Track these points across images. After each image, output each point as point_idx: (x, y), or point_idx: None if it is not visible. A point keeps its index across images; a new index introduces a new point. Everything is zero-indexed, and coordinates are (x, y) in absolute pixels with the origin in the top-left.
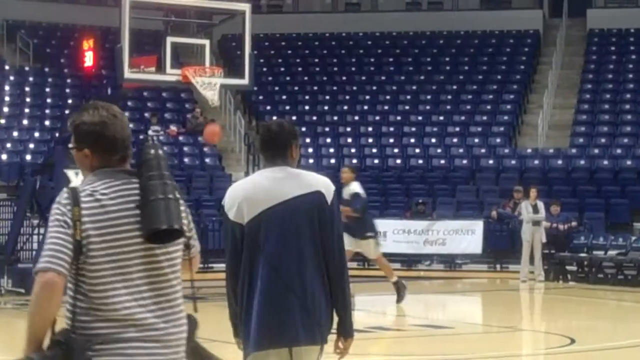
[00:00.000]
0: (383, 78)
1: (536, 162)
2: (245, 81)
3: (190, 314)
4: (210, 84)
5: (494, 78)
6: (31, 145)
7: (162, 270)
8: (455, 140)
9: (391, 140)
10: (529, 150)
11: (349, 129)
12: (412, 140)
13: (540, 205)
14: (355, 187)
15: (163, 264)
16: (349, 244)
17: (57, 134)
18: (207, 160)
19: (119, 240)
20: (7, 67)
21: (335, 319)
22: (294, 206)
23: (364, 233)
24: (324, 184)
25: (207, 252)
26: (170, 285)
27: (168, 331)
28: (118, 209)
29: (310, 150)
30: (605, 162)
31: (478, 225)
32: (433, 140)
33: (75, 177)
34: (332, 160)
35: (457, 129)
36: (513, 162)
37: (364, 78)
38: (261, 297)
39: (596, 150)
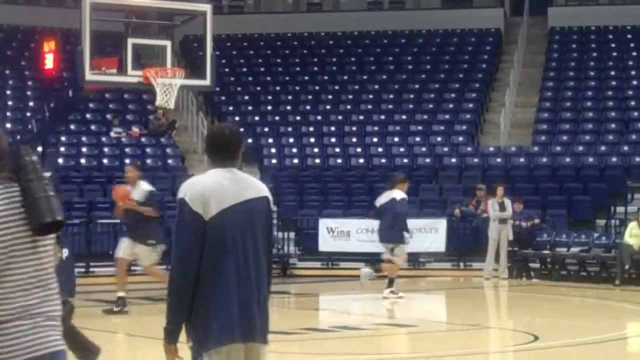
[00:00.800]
0: (345, 78)
1: (499, 160)
2: (207, 82)
3: (67, 299)
4: (171, 85)
5: (456, 77)
6: None
7: (42, 260)
8: (417, 139)
9: (354, 140)
10: (492, 149)
11: (311, 129)
12: (375, 140)
13: (508, 202)
14: (146, 185)
15: (42, 254)
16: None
17: (18, 137)
18: (170, 161)
19: (8, 235)
20: None
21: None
22: (251, 207)
23: (146, 239)
24: (267, 191)
25: (168, 253)
26: (48, 272)
27: (46, 309)
28: (5, 209)
29: (273, 150)
30: (567, 160)
31: (441, 224)
32: (396, 139)
33: None
34: (295, 160)
35: (420, 127)
36: (476, 160)
37: (326, 78)
38: (225, 293)
39: (558, 148)
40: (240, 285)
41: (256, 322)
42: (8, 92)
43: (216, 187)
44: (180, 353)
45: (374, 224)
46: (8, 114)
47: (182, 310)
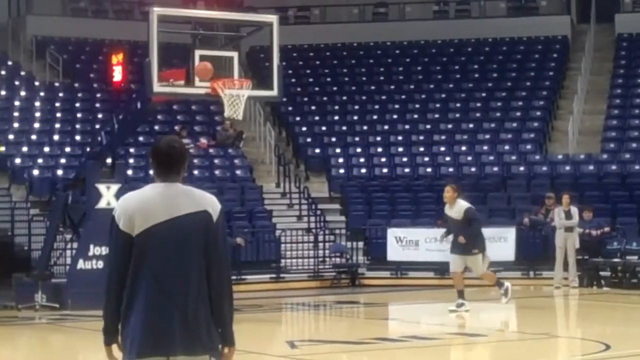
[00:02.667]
0: (412, 87)
1: (567, 168)
2: (274, 93)
3: None
4: (239, 96)
5: (523, 85)
6: (62, 160)
7: None
8: (485, 147)
9: (421, 149)
10: (560, 157)
11: (379, 139)
12: (442, 149)
13: (574, 211)
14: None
15: None
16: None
17: (87, 149)
18: (238, 172)
19: None
20: (37, 83)
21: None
22: (183, 223)
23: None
24: (211, 204)
25: (240, 264)
26: None
27: None
28: None
29: (341, 160)
30: (637, 167)
31: (510, 233)
32: (463, 148)
33: (107, 191)
34: (363, 170)
35: (487, 136)
36: (544, 168)
37: (392, 87)
38: (143, 307)
39: (627, 155)
40: (158, 302)
41: (175, 337)
42: (77, 104)
43: (146, 204)
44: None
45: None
46: (77, 126)
47: (108, 316)
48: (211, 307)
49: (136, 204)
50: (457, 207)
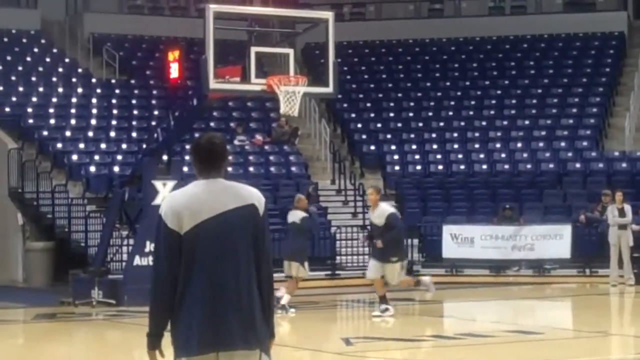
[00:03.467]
0: (467, 83)
1: (623, 164)
2: (329, 89)
3: None
4: (294, 92)
5: (580, 81)
6: (119, 157)
7: None
8: (541, 144)
9: (477, 146)
10: (616, 153)
11: (434, 135)
12: (498, 145)
13: (628, 208)
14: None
15: None
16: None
17: (144, 146)
18: (293, 169)
19: None
20: (93, 80)
21: None
22: (230, 218)
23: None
24: (257, 197)
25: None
26: None
27: None
28: None
29: (396, 157)
30: None
31: (566, 230)
32: (519, 144)
33: (163, 188)
34: (418, 167)
35: (543, 132)
36: (600, 165)
37: (448, 84)
38: (198, 305)
39: None
40: (212, 297)
41: (231, 331)
42: (134, 101)
43: (192, 202)
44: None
45: (498, 230)
46: (134, 123)
47: (158, 318)
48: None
49: (183, 201)
50: (379, 211)
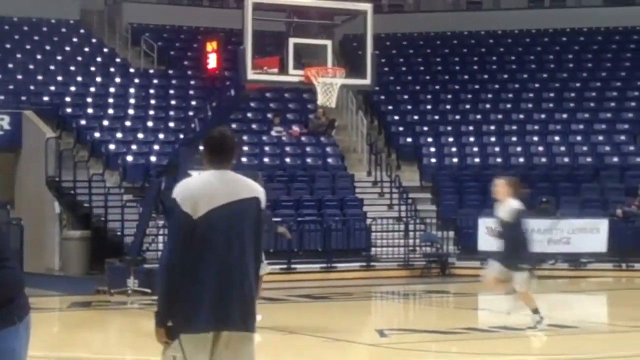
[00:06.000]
0: (505, 76)
1: None
2: (367, 81)
3: None
4: (332, 84)
5: (618, 75)
6: (156, 147)
7: None
8: (579, 138)
9: (514, 139)
10: None
11: (471, 128)
12: (535, 139)
13: None
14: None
15: None
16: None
17: (181, 136)
18: (330, 160)
19: None
20: (132, 70)
21: None
22: (241, 207)
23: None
24: (260, 192)
25: (331, 252)
26: None
27: None
28: None
29: (433, 149)
30: None
31: (603, 224)
32: (556, 138)
33: None
34: (455, 160)
35: (581, 126)
36: (638, 159)
37: (485, 77)
38: (205, 286)
39: None
40: (220, 279)
41: (234, 313)
42: (172, 91)
43: (207, 188)
44: None
45: (534, 223)
46: (171, 113)
47: (167, 297)
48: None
49: (198, 188)
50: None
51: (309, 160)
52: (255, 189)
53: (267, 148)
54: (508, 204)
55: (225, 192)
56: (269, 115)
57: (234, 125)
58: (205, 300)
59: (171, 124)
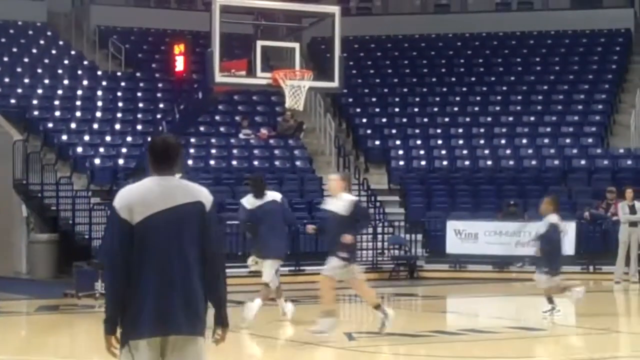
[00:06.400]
0: (473, 79)
1: (629, 162)
2: (335, 84)
3: None
4: (300, 87)
5: (585, 78)
6: (124, 150)
7: None
8: (546, 140)
9: (482, 142)
10: (622, 151)
11: (439, 131)
12: (503, 142)
13: (639, 205)
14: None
15: None
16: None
17: (149, 139)
18: (298, 163)
19: None
20: (99, 73)
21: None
22: (180, 212)
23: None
24: (204, 195)
25: (299, 254)
26: None
27: None
28: None
29: (401, 152)
30: None
31: (570, 227)
32: (524, 140)
33: None
34: (423, 162)
35: (548, 129)
36: (605, 162)
37: (453, 79)
38: (148, 292)
39: None
40: (160, 285)
41: (177, 317)
42: (139, 94)
43: (144, 195)
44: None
45: (502, 226)
46: (139, 115)
47: (114, 304)
48: (207, 290)
49: (136, 194)
50: None
51: (277, 163)
52: (198, 194)
53: (235, 151)
54: (342, 198)
55: (164, 198)
56: (237, 118)
57: (202, 128)
58: (148, 306)
59: (139, 127)
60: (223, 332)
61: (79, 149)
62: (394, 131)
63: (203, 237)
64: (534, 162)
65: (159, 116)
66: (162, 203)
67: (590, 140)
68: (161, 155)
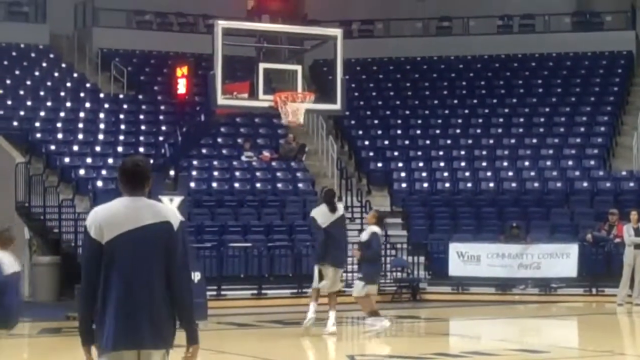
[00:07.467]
0: (475, 101)
1: (631, 184)
2: (337, 106)
3: None
4: (299, 109)
5: (587, 100)
6: None
7: None
8: (548, 162)
9: (484, 164)
10: (624, 173)
11: (441, 153)
12: (505, 164)
13: None
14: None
15: None
16: None
17: (151, 161)
18: (300, 185)
19: None
20: (101, 95)
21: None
22: (147, 232)
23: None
24: (172, 215)
25: (302, 277)
26: None
27: None
28: None
29: (403, 174)
30: None
31: (573, 249)
32: (526, 163)
33: (170, 204)
34: (425, 184)
35: (551, 151)
36: (608, 184)
37: (455, 102)
38: (116, 309)
39: None
40: (127, 301)
41: (143, 333)
42: (141, 116)
43: (114, 214)
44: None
45: (505, 248)
46: (141, 138)
47: (84, 317)
48: (174, 307)
49: (105, 215)
50: None
51: (279, 185)
52: (166, 214)
53: (237, 173)
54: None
55: (132, 218)
56: (240, 141)
57: (204, 150)
58: (115, 321)
59: (141, 149)
60: (194, 349)
61: (82, 172)
62: (396, 153)
63: (169, 256)
64: (536, 184)
65: (161, 138)
66: (130, 223)
67: (592, 162)
68: (132, 177)
